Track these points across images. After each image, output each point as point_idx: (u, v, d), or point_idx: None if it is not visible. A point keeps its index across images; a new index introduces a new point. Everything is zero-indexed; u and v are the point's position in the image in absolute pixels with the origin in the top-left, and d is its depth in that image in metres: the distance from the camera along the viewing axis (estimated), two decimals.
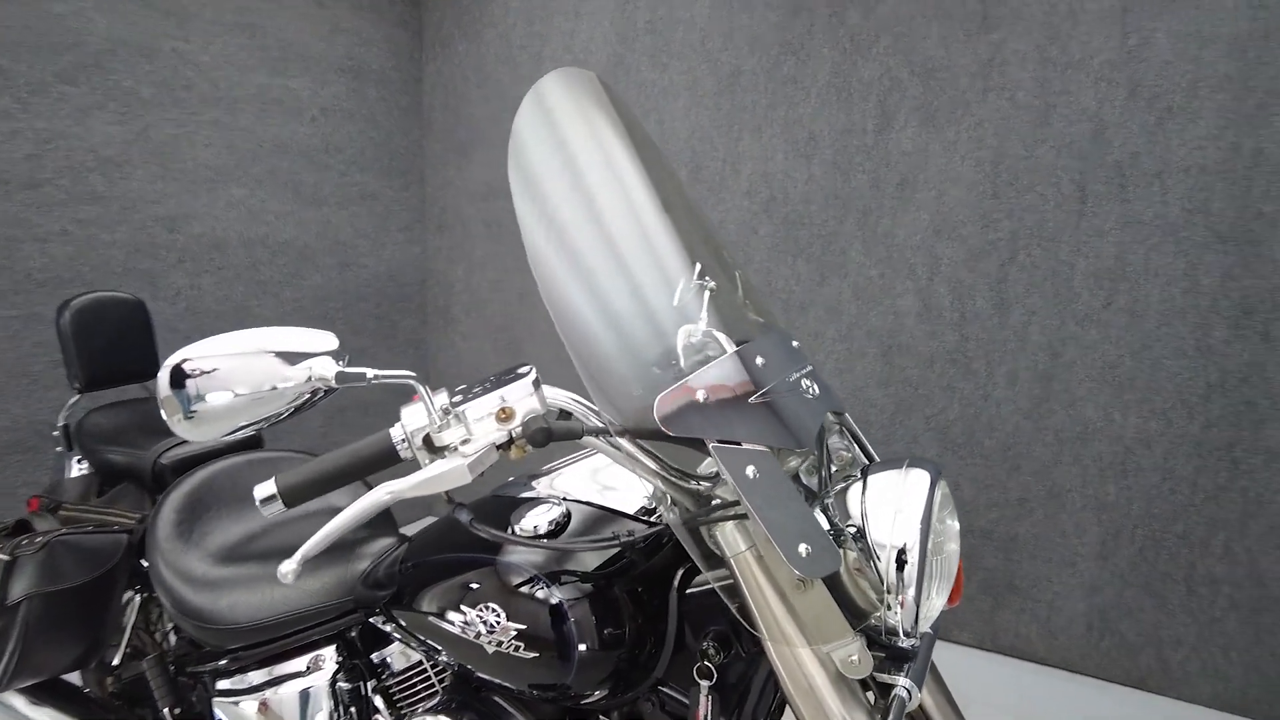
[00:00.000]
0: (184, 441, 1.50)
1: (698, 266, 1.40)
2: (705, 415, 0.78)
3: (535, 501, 1.00)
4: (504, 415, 0.76)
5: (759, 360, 0.88)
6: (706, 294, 1.35)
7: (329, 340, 0.78)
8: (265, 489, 0.75)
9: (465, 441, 0.75)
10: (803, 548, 0.75)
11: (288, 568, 0.80)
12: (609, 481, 1.09)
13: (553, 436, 0.74)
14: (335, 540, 0.81)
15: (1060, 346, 2.12)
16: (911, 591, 0.80)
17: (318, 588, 1.22)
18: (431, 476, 0.75)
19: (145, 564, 1.41)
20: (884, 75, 2.26)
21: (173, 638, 1.44)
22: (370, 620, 1.19)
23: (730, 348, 1.14)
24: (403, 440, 0.75)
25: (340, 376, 0.75)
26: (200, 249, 2.48)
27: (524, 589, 0.91)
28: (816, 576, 0.76)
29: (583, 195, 0.98)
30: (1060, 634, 2.20)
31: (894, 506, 0.86)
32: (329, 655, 1.22)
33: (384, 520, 1.51)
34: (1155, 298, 2.00)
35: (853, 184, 2.33)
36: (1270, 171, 1.86)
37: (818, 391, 0.94)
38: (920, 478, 0.88)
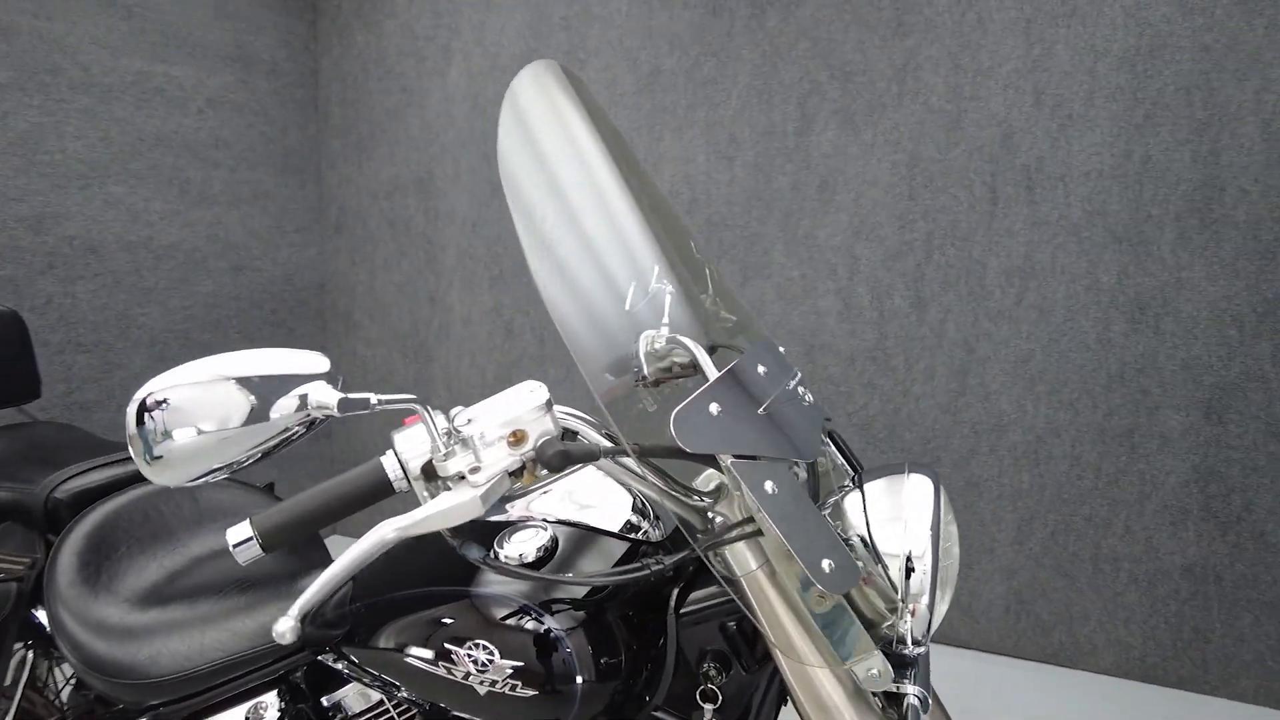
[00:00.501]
0: (83, 471, 1.33)
1: (655, 269, 1.36)
2: (720, 430, 0.74)
3: (517, 525, 0.93)
4: (515, 439, 0.69)
5: (760, 369, 0.85)
6: (668, 297, 1.30)
7: (319, 362, 0.69)
8: (240, 532, 0.65)
9: (474, 470, 0.68)
10: (826, 563, 0.73)
11: (284, 626, 0.70)
12: (585, 500, 1.03)
13: (570, 460, 0.68)
14: (333, 585, 0.72)
15: (975, 342, 2.21)
16: (925, 599, 0.80)
17: (253, 628, 1.10)
18: (442, 510, 0.67)
19: (40, 615, 1.23)
20: (804, 78, 2.29)
21: (65, 696, 1.27)
22: (319, 659, 1.08)
23: (700, 353, 1.10)
24: (398, 471, 0.67)
25: (344, 404, 0.66)
26: (73, 252, 2.22)
27: (515, 621, 0.84)
28: (842, 592, 0.73)
29: (555, 194, 0.92)
30: (981, 618, 2.30)
31: (898, 513, 0.85)
32: (270, 703, 1.10)
33: (313, 544, 1.39)
34: (1061, 294, 2.11)
35: (774, 185, 2.36)
36: (1157, 177, 2.01)
37: (810, 399, 0.92)
38: (922, 483, 0.87)
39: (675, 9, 2.40)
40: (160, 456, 0.63)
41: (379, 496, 0.67)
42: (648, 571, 0.78)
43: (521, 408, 0.70)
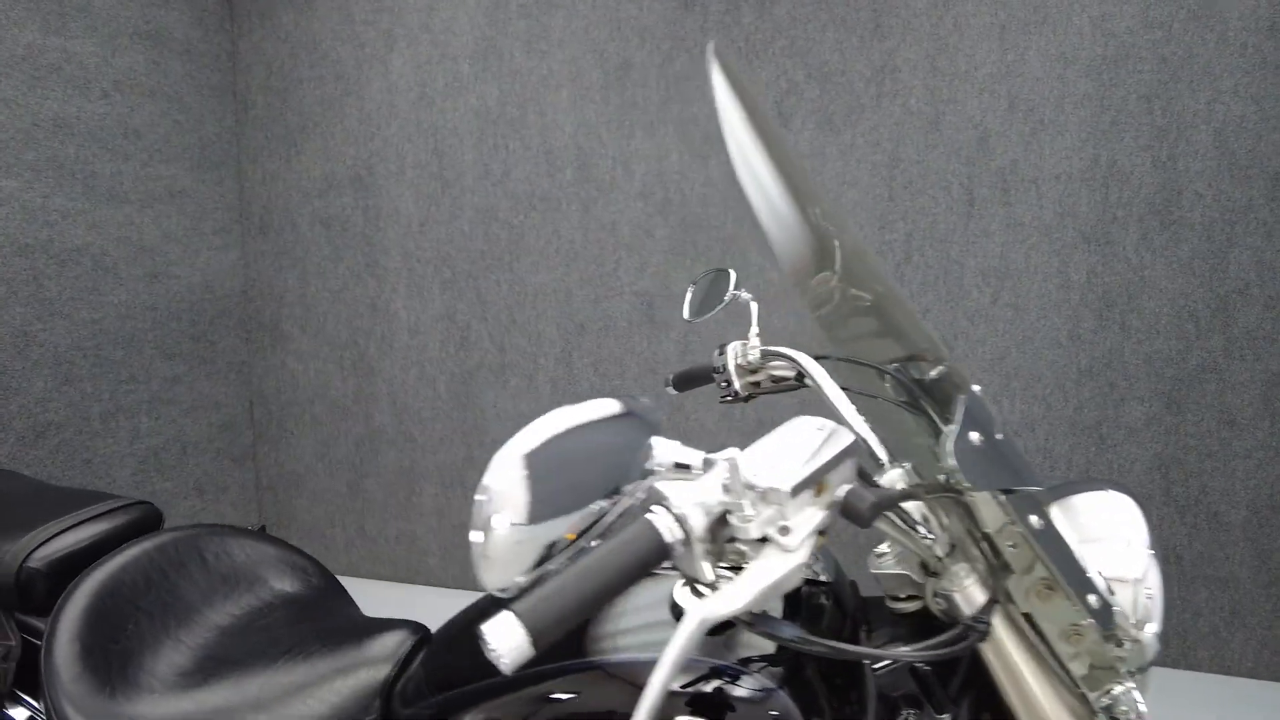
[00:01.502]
0: (59, 532, 1.09)
1: (732, 277, 1.28)
2: (989, 462, 0.67)
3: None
4: (820, 490, 0.59)
5: (976, 388, 0.79)
6: (754, 306, 1.22)
7: (630, 406, 0.57)
8: (505, 630, 0.49)
9: (784, 530, 0.56)
10: (1092, 598, 0.68)
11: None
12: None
13: (880, 510, 0.58)
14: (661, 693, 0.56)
15: (953, 341, 2.25)
16: (1153, 626, 0.76)
17: (319, 710, 0.93)
18: (772, 582, 0.55)
19: (16, 715, 1.01)
20: (781, 77, 2.26)
21: None
22: None
23: (812, 366, 1.03)
24: (676, 532, 0.54)
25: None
26: None
27: (708, 688, 0.74)
28: (1110, 627, 0.68)
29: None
30: None
31: (1107, 534, 0.81)
32: None
33: (334, 589, 1.22)
34: (1034, 293, 2.18)
35: None
36: (1122, 180, 2.10)
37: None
38: (1125, 503, 0.84)
39: (645, 1, 2.31)
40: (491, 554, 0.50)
41: (652, 565, 0.55)
42: (977, 637, 0.66)
43: (823, 448, 0.60)
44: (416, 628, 1.02)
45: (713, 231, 2.35)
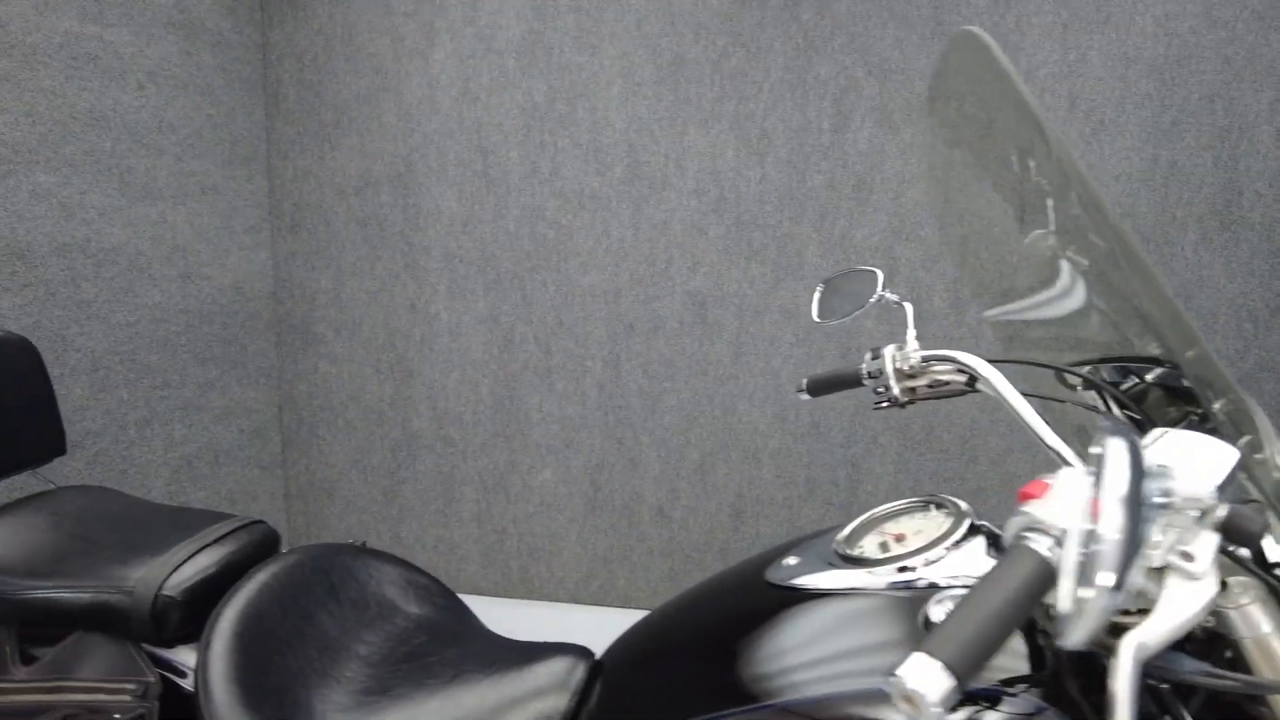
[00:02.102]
0: (187, 558, 1.01)
1: (879, 277, 1.24)
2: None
3: (937, 597, 0.77)
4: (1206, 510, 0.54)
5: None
6: (908, 309, 1.19)
7: None
8: (922, 671, 0.44)
9: (1187, 555, 0.52)
10: None
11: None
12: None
13: (1268, 528, 0.54)
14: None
15: (1009, 341, 2.24)
16: None
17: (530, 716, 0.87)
18: (1194, 611, 0.51)
19: None
20: (840, 74, 2.23)
21: None
22: None
23: (988, 370, 1.00)
24: (1059, 550, 0.50)
25: None
26: (2, 253, 1.77)
27: (980, 710, 0.69)
28: None
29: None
30: None
31: None
32: None
33: (456, 606, 1.16)
34: None
35: (809, 184, 2.28)
36: (1182, 181, 2.11)
37: None
38: None
39: None
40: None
41: (1040, 595, 0.50)
42: None
43: (1193, 460, 0.56)
44: (581, 652, 0.97)
45: (768, 230, 2.31)
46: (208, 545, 1.04)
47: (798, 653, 0.77)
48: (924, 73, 2.19)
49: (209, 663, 0.89)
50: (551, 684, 0.91)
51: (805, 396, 1.26)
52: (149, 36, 2.12)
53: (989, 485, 2.30)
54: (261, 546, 1.10)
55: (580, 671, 0.92)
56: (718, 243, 2.34)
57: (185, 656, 1.01)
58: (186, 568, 1.00)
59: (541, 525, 2.58)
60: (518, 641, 1.03)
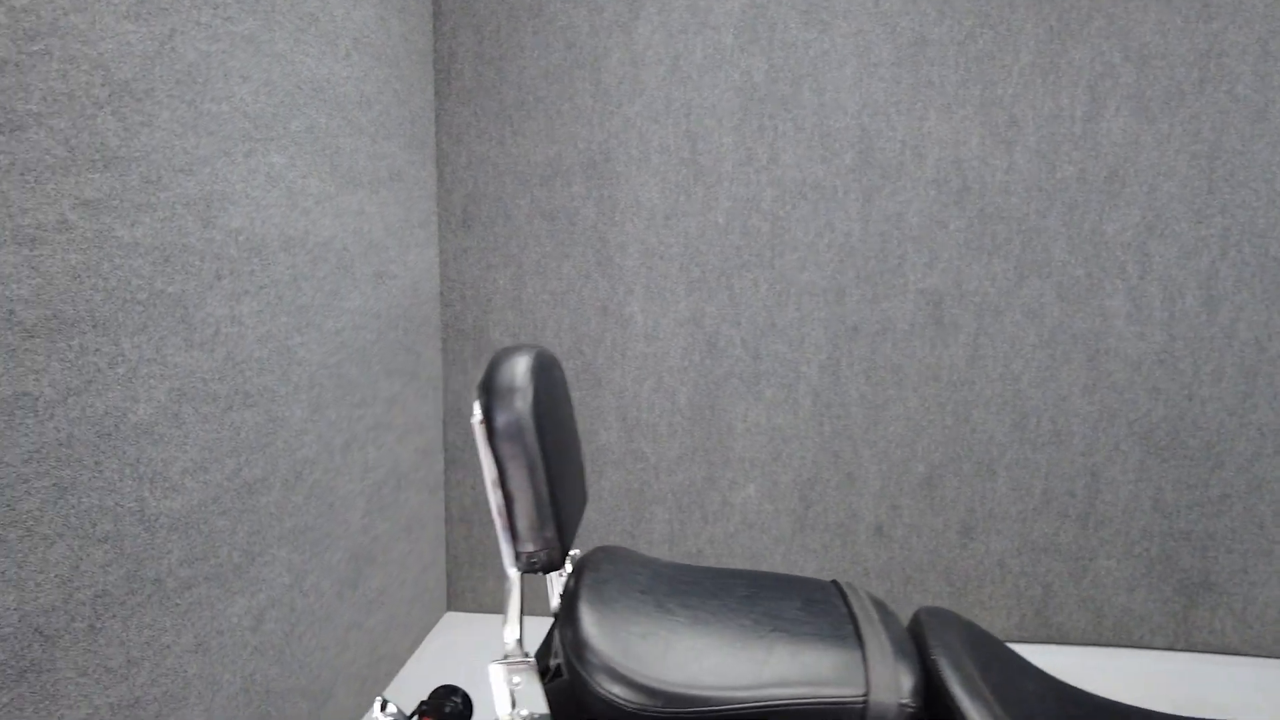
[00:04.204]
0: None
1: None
2: None
3: None
4: None
5: None
6: None
7: None
8: None
9: None
10: None
11: None
12: None
13: None
14: None
15: (1266, 341, 2.14)
16: None
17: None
18: None
19: None
20: (1095, 59, 2.09)
21: None
22: None
23: None
24: None
25: None
26: (239, 254, 1.47)
27: None
28: None
29: None
30: (1255, 622, 2.25)
31: None
32: None
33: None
34: None
35: (1058, 175, 2.13)
36: None
37: None
38: None
39: None
40: None
41: None
42: None
43: None
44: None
45: (1013, 223, 2.16)
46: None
47: None
48: (1186, 58, 2.07)
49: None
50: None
51: None
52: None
53: (1235, 492, 2.21)
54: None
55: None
56: (957, 236, 2.18)
57: None
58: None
59: (742, 546, 2.37)
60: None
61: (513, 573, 0.89)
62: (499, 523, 0.88)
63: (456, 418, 2.40)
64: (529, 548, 0.86)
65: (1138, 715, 0.80)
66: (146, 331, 1.25)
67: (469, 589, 2.48)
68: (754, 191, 2.21)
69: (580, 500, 1.06)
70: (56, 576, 1.11)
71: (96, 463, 1.17)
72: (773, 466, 2.32)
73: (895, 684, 0.72)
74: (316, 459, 1.74)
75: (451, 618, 2.45)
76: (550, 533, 0.86)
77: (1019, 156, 2.14)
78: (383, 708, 0.86)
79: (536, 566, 0.88)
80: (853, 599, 0.83)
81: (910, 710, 0.72)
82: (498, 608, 2.47)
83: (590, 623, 0.75)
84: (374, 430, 1.99)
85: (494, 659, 0.87)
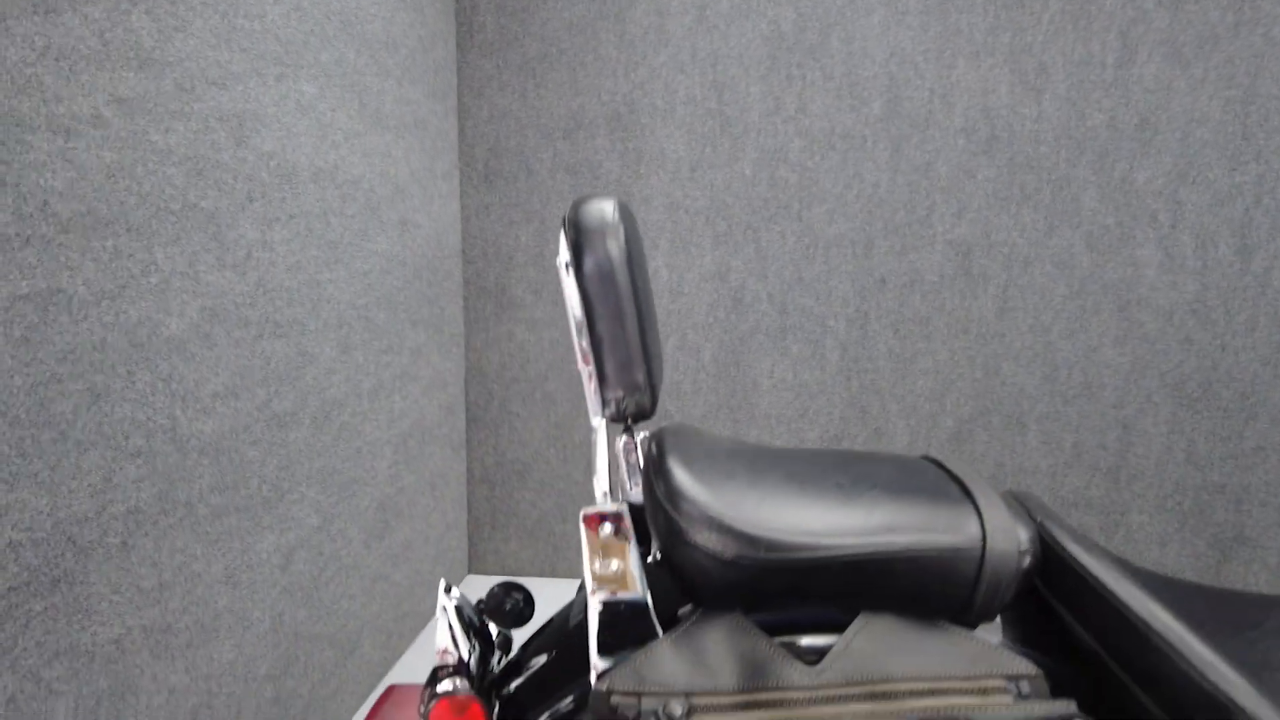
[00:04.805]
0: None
1: None
2: None
3: None
4: None
5: None
6: None
7: None
8: None
9: None
10: None
11: None
12: None
13: None
14: None
15: None
16: None
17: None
18: None
19: None
20: (1127, 4, 2.06)
21: None
22: None
23: None
24: None
25: None
26: (270, 179, 1.44)
27: None
28: None
29: None
30: None
31: None
32: None
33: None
34: None
35: (1088, 123, 2.11)
36: None
37: None
38: None
39: None
40: None
41: None
42: None
43: None
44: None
45: (1043, 173, 2.13)
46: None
47: None
48: (1220, 1, 2.04)
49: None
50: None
51: None
52: None
53: (1269, 444, 2.17)
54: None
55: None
56: (986, 186, 2.15)
57: None
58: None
59: None
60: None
61: (598, 422, 0.85)
62: (585, 371, 0.85)
63: (479, 376, 2.36)
64: (618, 393, 0.83)
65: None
66: (179, 243, 1.22)
67: (491, 551, 2.44)
68: (781, 142, 2.18)
69: (662, 362, 1.03)
70: (89, 486, 1.08)
71: (129, 372, 1.14)
72: (799, 423, 2.29)
73: (1013, 532, 0.69)
74: (345, 400, 1.71)
75: (473, 580, 2.41)
76: (641, 377, 0.82)
77: (1048, 105, 2.11)
78: (447, 590, 0.82)
79: (626, 412, 0.84)
80: (950, 465, 0.79)
81: (1030, 558, 0.69)
82: (520, 570, 2.43)
83: (683, 474, 0.72)
84: (400, 380, 1.95)
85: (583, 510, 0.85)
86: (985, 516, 0.70)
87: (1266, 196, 2.09)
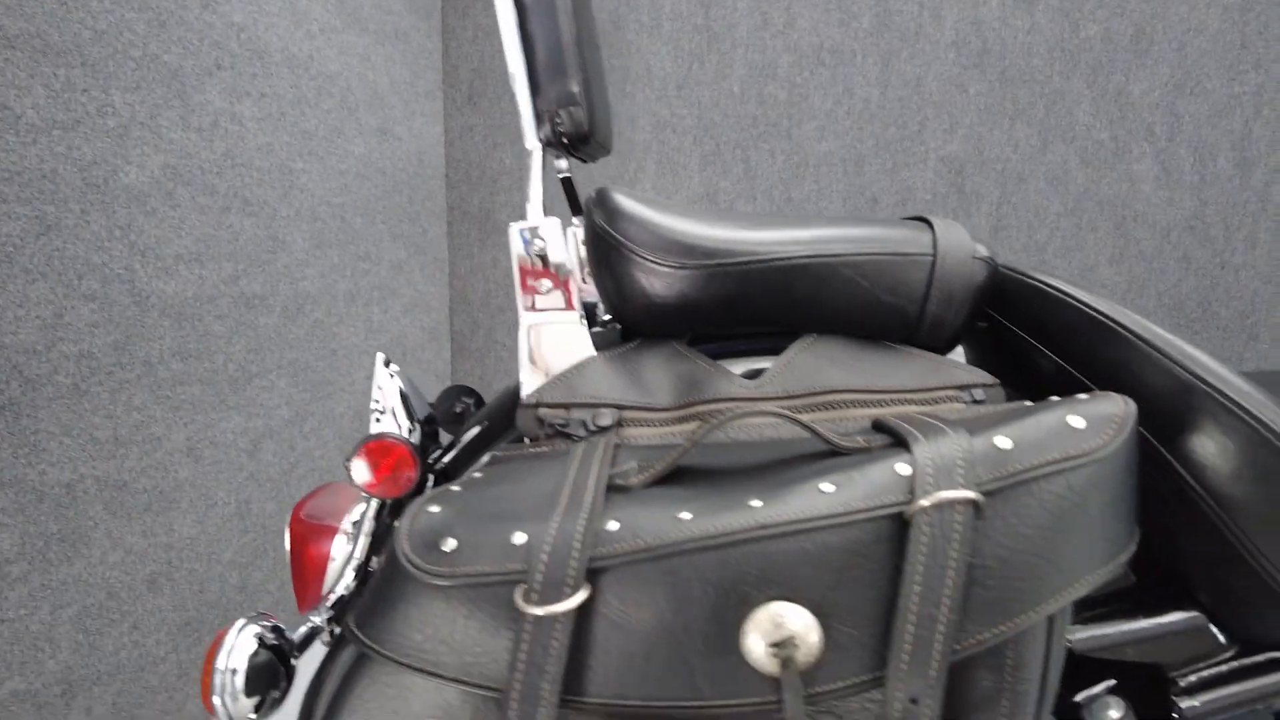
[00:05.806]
0: None
1: None
2: None
3: None
4: None
5: None
6: None
7: None
8: None
9: None
10: None
11: None
12: None
13: None
14: None
15: None
16: None
17: None
18: None
19: None
20: None
21: None
22: None
23: None
24: None
25: None
26: (240, 50, 1.41)
27: None
28: None
29: None
30: None
31: None
32: None
33: None
34: None
35: (1082, 34, 2.07)
36: None
37: None
38: None
39: None
40: None
41: None
42: None
43: None
44: None
45: (1035, 86, 2.09)
46: None
47: None
48: None
49: None
50: None
51: None
52: None
53: (1271, 364, 2.12)
54: None
55: None
56: (978, 101, 2.11)
57: None
58: None
59: None
60: None
61: (533, 143, 0.81)
62: (518, 82, 0.80)
63: (463, 304, 2.33)
64: (551, 104, 0.79)
65: None
66: (139, 92, 1.19)
67: None
68: (769, 58, 2.15)
69: (606, 96, 0.96)
70: (38, 318, 1.04)
71: (83, 211, 1.11)
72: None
73: (966, 243, 0.65)
74: (319, 297, 1.68)
75: None
76: (576, 87, 0.78)
77: (1040, 15, 2.07)
78: (386, 364, 0.78)
79: (561, 129, 0.80)
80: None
81: (984, 270, 0.65)
82: None
83: (625, 199, 0.68)
84: (379, 291, 1.92)
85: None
86: (938, 229, 0.66)
87: (1266, 108, 2.04)
